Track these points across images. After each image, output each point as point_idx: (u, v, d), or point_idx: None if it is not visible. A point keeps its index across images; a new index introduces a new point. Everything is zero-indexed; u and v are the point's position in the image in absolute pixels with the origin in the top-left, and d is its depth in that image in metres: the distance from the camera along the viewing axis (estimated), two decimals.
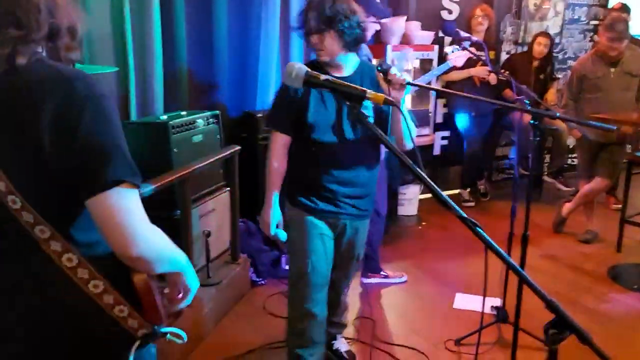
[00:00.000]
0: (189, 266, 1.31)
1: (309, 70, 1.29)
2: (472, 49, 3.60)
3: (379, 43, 4.35)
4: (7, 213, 1.10)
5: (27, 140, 1.08)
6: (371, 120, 2.15)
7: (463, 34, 3.83)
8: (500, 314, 3.05)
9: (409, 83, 1.97)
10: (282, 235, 2.35)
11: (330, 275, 2.40)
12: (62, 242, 1.12)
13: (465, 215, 1.00)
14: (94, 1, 3.06)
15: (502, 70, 3.78)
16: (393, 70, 1.99)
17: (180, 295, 1.32)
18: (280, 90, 2.30)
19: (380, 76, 2.02)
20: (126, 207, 1.10)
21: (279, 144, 2.30)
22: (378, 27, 3.65)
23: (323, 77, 1.25)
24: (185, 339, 1.28)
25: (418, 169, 1.08)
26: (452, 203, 1.04)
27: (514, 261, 1.05)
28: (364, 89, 1.20)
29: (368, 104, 1.99)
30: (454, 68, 3.97)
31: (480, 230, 0.98)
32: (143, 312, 1.20)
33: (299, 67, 1.29)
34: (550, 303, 0.93)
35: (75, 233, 1.15)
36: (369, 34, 3.46)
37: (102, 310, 1.15)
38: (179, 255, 1.27)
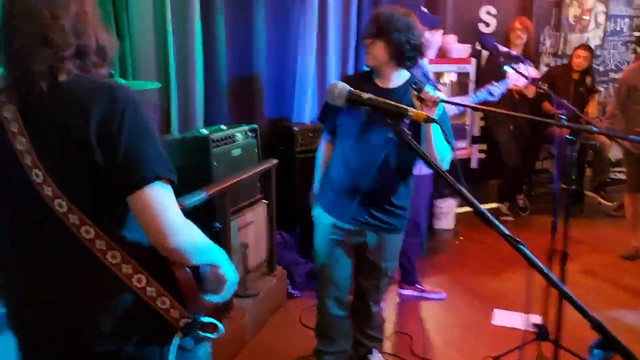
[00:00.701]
0: (225, 260, 1.39)
1: (352, 89, 1.32)
2: (528, 71, 3.40)
3: None
4: (54, 216, 1.18)
5: (77, 145, 1.16)
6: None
7: (502, 48, 3.78)
8: (541, 331, 2.99)
9: (442, 100, 1.98)
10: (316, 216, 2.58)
11: (349, 281, 2.52)
12: (107, 240, 1.19)
13: (508, 234, 1.00)
14: (138, 21, 3.17)
15: (541, 83, 3.73)
16: (427, 88, 2.00)
17: (218, 288, 1.39)
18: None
19: (413, 93, 2.04)
20: (163, 201, 1.19)
21: (324, 141, 2.55)
22: (427, 36, 3.57)
23: (365, 95, 1.28)
24: (223, 330, 1.33)
25: (460, 186, 1.09)
26: (495, 221, 1.04)
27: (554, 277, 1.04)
28: (405, 107, 1.22)
29: None
30: (519, 100, 3.75)
31: (524, 248, 0.99)
32: (184, 303, 1.27)
33: (342, 86, 1.32)
34: (596, 323, 0.92)
35: (126, 233, 1.24)
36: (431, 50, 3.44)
37: (146, 302, 1.23)
38: (214, 248, 1.35)
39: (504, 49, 3.77)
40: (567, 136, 2.44)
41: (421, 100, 2.01)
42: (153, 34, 3.28)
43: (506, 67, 3.33)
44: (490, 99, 3.62)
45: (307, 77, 4.14)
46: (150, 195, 1.18)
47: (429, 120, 1.22)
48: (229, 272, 1.39)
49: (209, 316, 1.34)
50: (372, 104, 1.26)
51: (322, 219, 2.45)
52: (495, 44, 3.99)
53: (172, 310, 1.25)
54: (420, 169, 3.40)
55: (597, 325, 0.92)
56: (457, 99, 3.62)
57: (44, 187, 1.18)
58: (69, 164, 1.18)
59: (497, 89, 3.54)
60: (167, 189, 1.21)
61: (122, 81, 2.68)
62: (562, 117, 2.50)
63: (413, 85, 2.05)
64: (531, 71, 3.48)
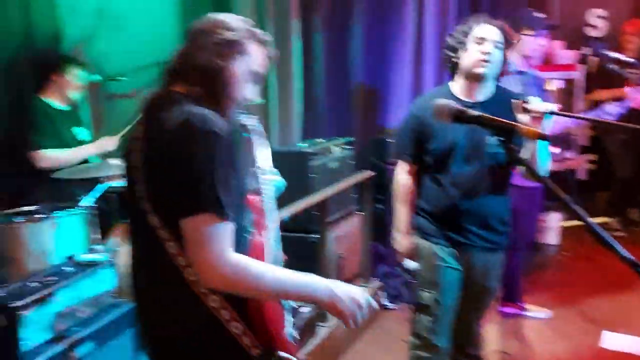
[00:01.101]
0: (324, 291, 1.30)
1: (459, 107, 1.30)
2: None
3: None
4: (151, 229, 1.27)
5: (159, 165, 1.26)
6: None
7: (611, 53, 3.53)
8: None
9: (551, 112, 1.88)
10: (412, 265, 2.33)
11: (457, 306, 2.35)
12: (186, 257, 1.25)
13: (628, 255, 0.94)
14: None
15: None
16: (533, 99, 1.91)
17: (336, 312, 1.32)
18: (406, 118, 2.33)
19: (518, 105, 1.95)
20: (204, 236, 1.20)
21: (403, 171, 2.34)
22: (543, 42, 3.32)
23: (472, 112, 1.25)
24: None
25: (574, 204, 1.04)
26: (613, 241, 0.98)
27: None
28: (516, 124, 1.18)
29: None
30: (633, 110, 3.41)
31: None
32: (255, 333, 1.30)
33: (448, 103, 1.30)
34: None
35: None
36: (533, 52, 3.23)
37: (222, 324, 1.27)
38: (291, 285, 1.29)
39: (615, 55, 3.50)
40: None
41: (527, 112, 1.91)
42: None
43: (627, 89, 3.07)
44: (608, 118, 3.37)
45: (403, 89, 4.13)
46: (192, 226, 1.21)
47: (542, 137, 1.17)
48: (341, 303, 1.30)
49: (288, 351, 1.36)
50: (480, 121, 1.23)
51: (425, 245, 2.31)
52: (605, 50, 3.72)
53: (245, 338, 1.28)
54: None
55: None
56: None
57: (143, 202, 1.29)
58: (156, 182, 1.28)
59: (615, 109, 3.21)
60: (216, 225, 1.21)
61: None
62: None
63: (518, 98, 1.96)
64: None
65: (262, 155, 1.54)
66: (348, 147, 3.58)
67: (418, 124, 2.21)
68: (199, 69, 1.33)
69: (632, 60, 3.53)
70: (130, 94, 3.58)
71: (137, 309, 1.42)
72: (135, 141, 1.34)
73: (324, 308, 1.33)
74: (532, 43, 3.20)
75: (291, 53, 3.54)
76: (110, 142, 3.04)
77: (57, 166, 2.87)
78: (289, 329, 1.46)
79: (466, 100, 2.19)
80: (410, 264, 2.34)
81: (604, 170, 5.02)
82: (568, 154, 4.59)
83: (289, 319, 1.49)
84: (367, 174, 3.45)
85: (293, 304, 1.52)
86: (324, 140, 3.50)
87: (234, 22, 1.38)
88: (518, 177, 2.44)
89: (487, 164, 2.16)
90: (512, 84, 3.17)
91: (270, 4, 3.45)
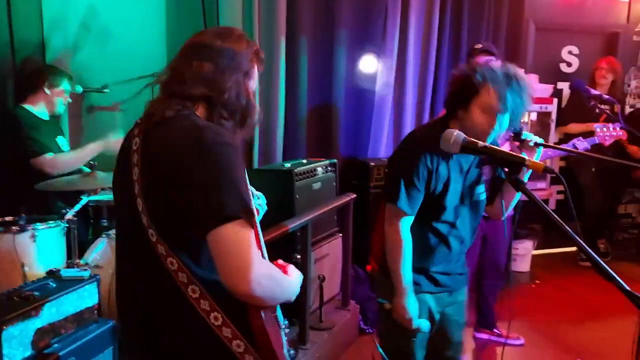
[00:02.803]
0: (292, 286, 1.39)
1: (467, 137, 1.33)
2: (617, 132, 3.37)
3: None
4: (148, 244, 1.25)
5: (163, 180, 1.24)
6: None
7: (594, 91, 3.69)
8: None
9: (543, 145, 1.94)
10: (425, 326, 2.01)
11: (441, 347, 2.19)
12: (187, 274, 1.24)
13: (629, 290, 0.98)
14: None
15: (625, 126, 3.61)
16: (525, 132, 1.97)
17: None
18: (415, 163, 1.90)
19: (511, 138, 2.01)
20: (238, 242, 1.18)
21: (407, 227, 1.96)
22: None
23: (481, 144, 1.29)
24: None
25: (579, 239, 1.08)
26: (617, 278, 1.02)
27: None
28: (522, 157, 1.22)
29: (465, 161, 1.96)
30: (601, 146, 3.61)
31: None
32: (258, 351, 1.28)
33: (457, 134, 1.34)
34: None
35: (205, 271, 1.26)
36: None
37: (222, 342, 1.25)
38: (288, 287, 1.34)
39: (596, 92, 3.68)
40: None
41: (521, 142, 1.95)
42: None
43: (597, 127, 3.28)
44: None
45: (384, 110, 4.19)
46: (224, 235, 1.17)
47: (547, 170, 1.22)
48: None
49: None
50: (488, 153, 1.27)
51: (420, 298, 2.03)
52: (587, 87, 3.90)
53: (247, 356, 1.26)
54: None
55: None
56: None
57: (142, 216, 1.26)
58: (158, 196, 1.25)
59: (582, 144, 3.41)
60: (243, 231, 1.18)
61: None
62: None
63: (512, 130, 2.00)
64: (618, 132, 3.39)
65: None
66: (331, 168, 3.60)
67: (430, 168, 1.92)
68: (209, 88, 1.32)
69: (608, 97, 3.72)
70: (110, 106, 3.55)
71: (129, 325, 1.40)
72: (132, 154, 1.31)
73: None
74: None
75: (277, 72, 3.57)
76: (117, 144, 2.99)
77: (68, 169, 2.83)
78: (286, 348, 1.46)
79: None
80: (424, 325, 2.01)
81: (575, 201, 5.16)
82: (540, 184, 4.72)
83: (285, 338, 1.48)
84: (351, 196, 3.47)
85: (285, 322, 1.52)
86: (307, 161, 3.51)
87: (240, 41, 1.40)
88: None
89: (476, 197, 2.06)
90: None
91: (257, 23, 3.49)
